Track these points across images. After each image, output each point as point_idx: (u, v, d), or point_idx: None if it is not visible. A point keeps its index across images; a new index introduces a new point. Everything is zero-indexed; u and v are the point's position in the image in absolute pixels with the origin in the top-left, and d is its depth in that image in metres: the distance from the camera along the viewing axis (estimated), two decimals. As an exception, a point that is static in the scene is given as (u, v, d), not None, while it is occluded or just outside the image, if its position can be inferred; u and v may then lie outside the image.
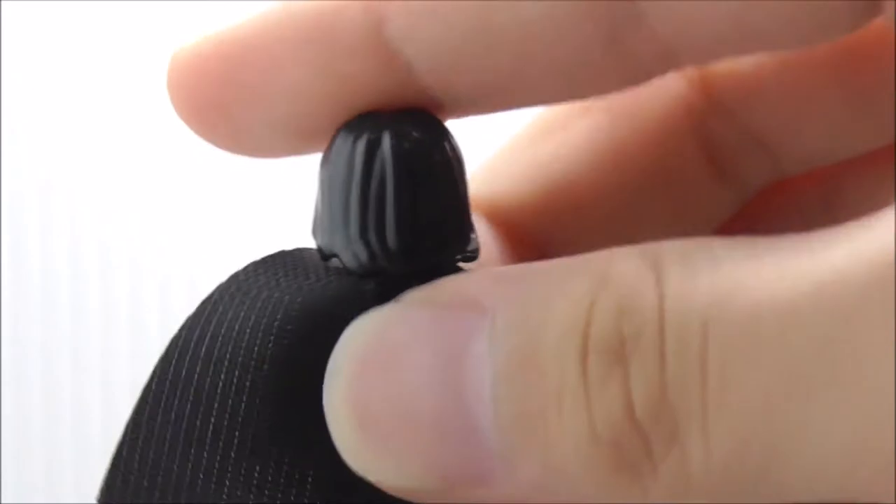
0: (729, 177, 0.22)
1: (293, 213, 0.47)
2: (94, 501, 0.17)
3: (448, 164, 0.19)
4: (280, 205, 0.49)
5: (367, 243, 0.18)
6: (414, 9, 0.18)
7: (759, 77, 0.22)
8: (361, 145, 0.18)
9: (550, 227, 0.21)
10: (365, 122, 0.18)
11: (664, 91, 0.22)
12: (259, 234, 0.50)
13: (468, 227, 0.19)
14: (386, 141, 0.18)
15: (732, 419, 0.15)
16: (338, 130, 0.19)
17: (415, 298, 0.17)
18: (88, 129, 0.50)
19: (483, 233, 0.21)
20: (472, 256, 0.19)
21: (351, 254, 0.18)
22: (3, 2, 0.50)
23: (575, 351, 0.16)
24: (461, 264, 0.19)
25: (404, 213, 0.18)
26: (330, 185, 0.18)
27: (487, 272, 0.17)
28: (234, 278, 0.19)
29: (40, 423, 0.50)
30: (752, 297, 0.15)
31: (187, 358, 0.18)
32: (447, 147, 0.19)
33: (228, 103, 0.19)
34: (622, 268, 0.16)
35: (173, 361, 0.18)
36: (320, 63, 0.19)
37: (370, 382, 0.16)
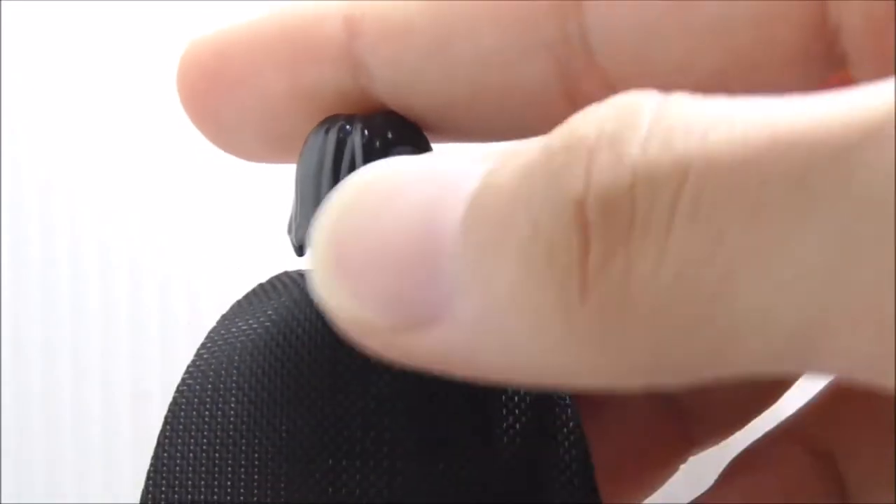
0: None
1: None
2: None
3: (418, 151, 0.19)
4: (281, 205, 0.49)
5: None
6: (387, 29, 0.19)
7: None
8: (333, 135, 0.19)
9: None
10: (337, 118, 0.19)
11: None
12: (259, 235, 0.50)
13: None
14: (357, 129, 0.18)
15: (699, 233, 0.13)
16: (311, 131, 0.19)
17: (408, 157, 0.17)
18: (88, 129, 0.50)
19: None
20: None
21: None
22: (3, 2, 0.50)
23: (545, 148, 0.15)
24: None
25: None
26: (303, 177, 0.19)
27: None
28: (217, 327, 0.19)
29: (40, 423, 0.50)
30: (749, 116, 0.14)
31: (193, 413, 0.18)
32: (416, 137, 0.19)
33: (216, 99, 0.20)
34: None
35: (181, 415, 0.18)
36: (291, 66, 0.19)
37: (352, 223, 0.16)
